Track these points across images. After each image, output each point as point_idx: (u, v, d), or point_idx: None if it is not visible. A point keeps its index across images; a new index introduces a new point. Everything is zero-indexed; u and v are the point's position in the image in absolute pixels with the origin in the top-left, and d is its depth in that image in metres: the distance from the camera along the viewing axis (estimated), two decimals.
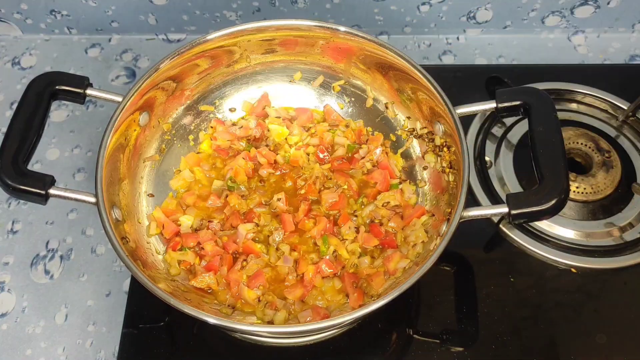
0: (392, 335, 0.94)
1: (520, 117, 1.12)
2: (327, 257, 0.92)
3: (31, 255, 1.05)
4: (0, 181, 0.81)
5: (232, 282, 0.90)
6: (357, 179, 1.01)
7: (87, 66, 1.28)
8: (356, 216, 0.97)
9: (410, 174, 1.02)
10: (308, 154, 1.03)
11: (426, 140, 1.00)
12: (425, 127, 1.00)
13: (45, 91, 0.88)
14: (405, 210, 0.97)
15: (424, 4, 1.24)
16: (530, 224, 1.02)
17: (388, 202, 0.97)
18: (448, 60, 1.29)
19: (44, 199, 0.81)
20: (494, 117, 1.13)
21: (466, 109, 0.89)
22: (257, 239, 0.95)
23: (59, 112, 1.22)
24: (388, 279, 0.90)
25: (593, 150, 1.08)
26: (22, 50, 1.31)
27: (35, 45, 1.32)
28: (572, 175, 1.05)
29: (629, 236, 1.01)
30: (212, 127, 1.06)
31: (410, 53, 1.29)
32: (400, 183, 1.00)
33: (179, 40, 1.33)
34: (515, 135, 1.11)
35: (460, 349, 0.92)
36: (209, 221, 0.97)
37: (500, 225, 1.02)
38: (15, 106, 0.99)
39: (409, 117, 1.03)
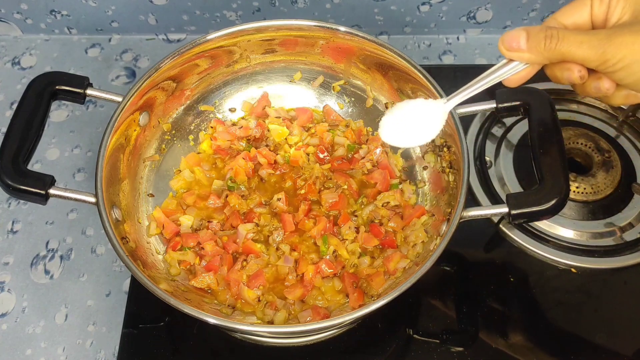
0: (392, 335, 0.94)
1: (520, 117, 1.12)
2: (327, 257, 0.92)
3: (31, 255, 1.05)
4: (0, 181, 0.81)
5: (232, 282, 0.90)
6: (357, 179, 1.01)
7: (87, 66, 1.28)
8: (356, 216, 0.97)
9: (410, 174, 1.02)
10: (308, 154, 1.03)
11: None
12: None
13: (45, 91, 0.88)
14: (405, 210, 0.97)
15: (424, 4, 1.24)
16: (530, 224, 1.02)
17: (388, 202, 0.97)
18: (448, 60, 1.29)
19: (44, 199, 0.81)
20: (494, 117, 1.13)
21: (466, 109, 0.89)
22: (257, 239, 0.95)
23: (59, 112, 1.22)
24: (388, 279, 0.90)
25: (593, 150, 1.08)
26: (22, 50, 1.31)
27: (35, 45, 1.32)
28: (572, 175, 1.05)
29: (629, 236, 1.01)
30: (212, 127, 1.06)
31: (410, 53, 1.29)
32: (400, 183, 1.00)
33: (179, 40, 1.33)
34: (515, 135, 1.11)
35: (460, 349, 0.92)
36: (208, 221, 0.97)
37: (500, 225, 1.02)
38: (15, 106, 0.99)
39: None
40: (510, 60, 0.71)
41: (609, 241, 1.00)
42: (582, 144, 1.09)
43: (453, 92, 0.82)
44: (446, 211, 0.91)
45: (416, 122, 0.80)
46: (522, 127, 1.12)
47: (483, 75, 0.74)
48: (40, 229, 1.08)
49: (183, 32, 1.33)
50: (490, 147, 1.10)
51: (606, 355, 0.91)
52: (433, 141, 0.98)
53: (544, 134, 0.84)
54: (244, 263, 0.92)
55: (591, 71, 0.68)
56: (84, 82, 0.90)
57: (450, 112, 0.88)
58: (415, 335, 0.93)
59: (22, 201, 1.09)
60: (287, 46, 1.04)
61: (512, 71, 0.71)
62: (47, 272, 1.03)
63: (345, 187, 0.99)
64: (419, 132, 0.80)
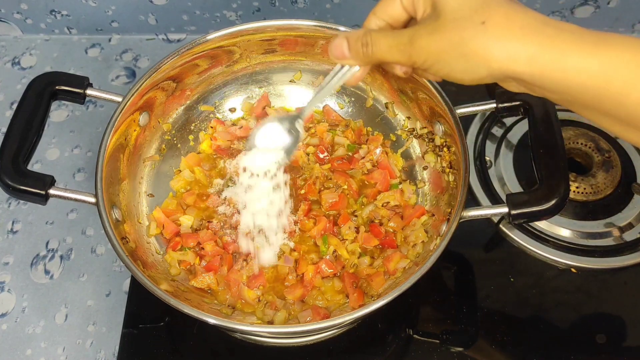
0: (392, 335, 0.94)
1: (520, 117, 1.12)
2: (327, 257, 0.92)
3: (31, 255, 1.05)
4: (0, 181, 0.81)
5: (232, 282, 0.90)
6: (357, 179, 1.01)
7: (87, 66, 1.28)
8: (356, 216, 0.97)
9: (410, 174, 1.02)
10: (308, 154, 1.03)
11: (426, 140, 1.00)
12: (425, 127, 1.00)
13: (45, 91, 0.88)
14: (405, 210, 0.97)
15: None
16: (530, 224, 1.02)
17: (388, 202, 0.97)
18: None
19: (44, 199, 0.81)
20: (494, 117, 1.13)
21: (466, 109, 0.89)
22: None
23: (59, 112, 1.22)
24: (388, 279, 0.90)
25: (593, 150, 1.08)
26: (22, 50, 1.31)
27: (35, 45, 1.32)
28: (572, 175, 1.05)
29: (629, 236, 1.01)
30: (212, 127, 1.06)
31: None
32: (400, 183, 1.00)
33: (179, 40, 1.33)
34: (515, 135, 1.11)
35: (460, 349, 0.92)
36: (208, 221, 0.97)
37: (500, 225, 1.02)
38: (15, 106, 0.99)
39: (409, 117, 1.03)
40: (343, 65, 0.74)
41: (609, 241, 1.00)
42: (582, 144, 1.09)
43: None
44: (446, 211, 0.91)
45: (279, 141, 0.85)
46: (522, 127, 1.12)
47: (323, 84, 0.76)
48: (40, 229, 1.08)
49: (183, 32, 1.33)
50: (490, 147, 1.10)
51: (606, 355, 0.91)
52: (433, 141, 0.98)
53: (544, 134, 0.84)
54: (244, 263, 0.92)
55: None
56: (84, 82, 0.90)
57: (451, 112, 0.88)
58: (415, 335, 0.93)
59: (22, 201, 1.09)
60: (287, 46, 1.04)
61: (348, 74, 0.74)
62: (47, 272, 1.03)
63: (345, 187, 0.99)
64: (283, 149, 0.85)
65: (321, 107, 1.09)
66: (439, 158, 0.97)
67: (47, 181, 0.82)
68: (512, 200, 0.80)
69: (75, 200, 0.83)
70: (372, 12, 0.72)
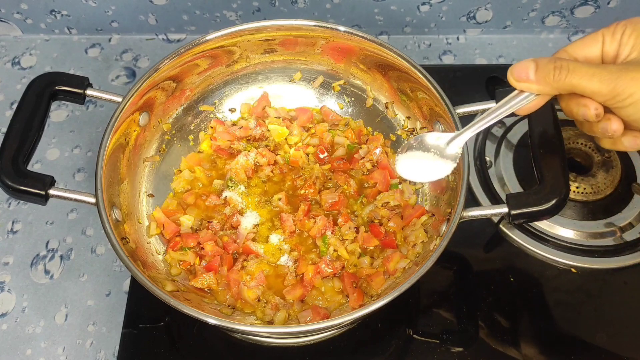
0: (392, 335, 0.94)
1: (520, 117, 1.12)
2: (327, 257, 0.92)
3: (31, 255, 1.05)
4: (0, 182, 0.81)
5: (232, 282, 0.90)
6: (357, 179, 1.01)
7: (87, 66, 1.28)
8: (356, 216, 0.97)
9: None
10: (308, 154, 1.03)
11: None
12: (425, 127, 1.00)
13: (45, 91, 0.88)
14: (405, 210, 0.97)
15: (424, 4, 1.24)
16: (530, 224, 1.02)
17: (388, 202, 0.97)
18: (448, 60, 1.29)
19: (44, 199, 0.81)
20: None
21: (466, 109, 0.89)
22: (257, 239, 0.95)
23: (59, 112, 1.22)
24: (388, 279, 0.90)
25: (593, 150, 1.08)
26: (22, 50, 1.31)
27: (35, 45, 1.32)
28: (572, 175, 1.05)
29: (629, 236, 1.01)
30: (212, 127, 1.06)
31: (410, 53, 1.29)
32: (400, 183, 1.00)
33: (179, 40, 1.33)
34: (515, 135, 1.11)
35: (460, 349, 0.92)
36: (208, 221, 0.97)
37: (500, 225, 1.02)
38: (15, 106, 0.99)
39: (409, 117, 1.03)
40: (521, 91, 0.71)
41: (609, 241, 1.00)
42: (582, 144, 1.08)
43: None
44: (446, 211, 0.91)
45: (431, 158, 0.81)
46: (522, 127, 1.12)
47: (494, 108, 0.74)
48: (40, 229, 1.08)
49: (183, 32, 1.33)
50: (490, 147, 1.10)
51: (606, 355, 0.91)
52: None
53: (544, 134, 0.84)
54: (244, 263, 0.92)
55: None
56: (84, 83, 0.90)
57: (451, 112, 0.88)
58: (415, 335, 0.93)
59: (22, 201, 1.09)
60: (287, 46, 1.04)
61: (523, 102, 0.72)
62: (47, 272, 1.03)
63: (345, 187, 0.99)
64: (434, 167, 0.81)
65: (320, 106, 1.09)
66: None
67: (47, 181, 0.82)
68: (512, 200, 0.80)
69: (75, 200, 0.83)
70: (564, 49, 0.72)
